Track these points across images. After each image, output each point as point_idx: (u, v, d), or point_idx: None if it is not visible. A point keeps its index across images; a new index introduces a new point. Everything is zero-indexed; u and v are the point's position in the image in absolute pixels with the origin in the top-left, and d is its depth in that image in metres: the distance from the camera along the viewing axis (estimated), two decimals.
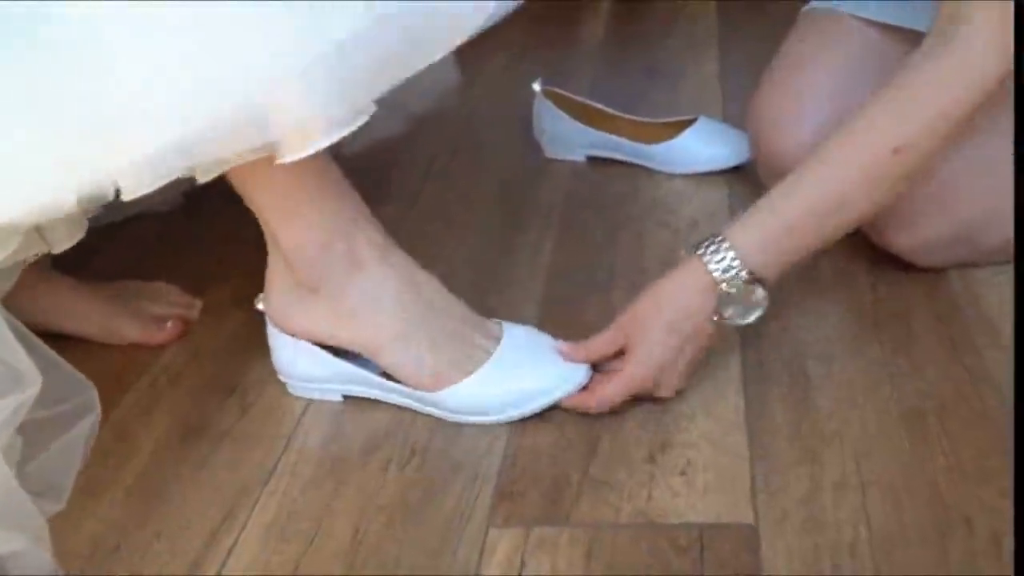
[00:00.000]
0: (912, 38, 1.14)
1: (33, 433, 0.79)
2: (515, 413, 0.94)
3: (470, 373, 0.93)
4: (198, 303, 1.14)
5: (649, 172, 1.36)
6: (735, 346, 1.02)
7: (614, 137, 1.37)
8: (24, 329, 0.82)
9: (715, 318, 0.93)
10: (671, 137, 1.35)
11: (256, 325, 1.02)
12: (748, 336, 1.03)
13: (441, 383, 0.93)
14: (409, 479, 0.90)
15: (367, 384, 0.97)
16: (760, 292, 0.93)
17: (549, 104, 1.39)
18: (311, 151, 0.79)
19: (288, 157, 0.80)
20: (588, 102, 1.41)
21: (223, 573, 0.82)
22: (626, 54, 1.75)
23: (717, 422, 0.93)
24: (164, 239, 1.31)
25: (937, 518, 0.81)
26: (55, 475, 0.82)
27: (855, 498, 0.84)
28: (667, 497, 0.86)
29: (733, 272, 0.91)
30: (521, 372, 0.94)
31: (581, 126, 1.38)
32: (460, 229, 1.28)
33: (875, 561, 0.78)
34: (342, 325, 0.94)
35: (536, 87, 1.38)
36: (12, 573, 0.75)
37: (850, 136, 0.94)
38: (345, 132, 0.79)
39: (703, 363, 0.97)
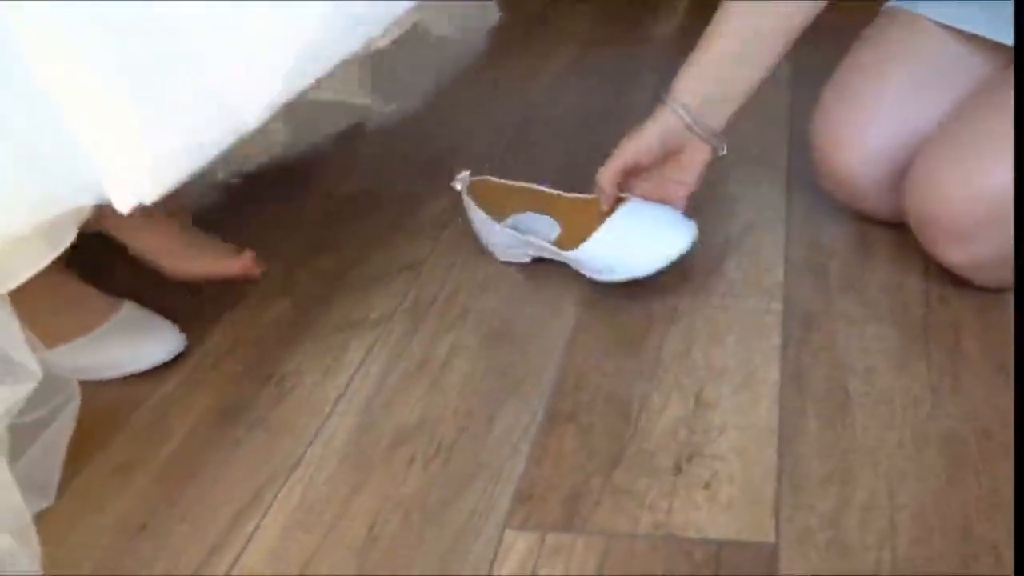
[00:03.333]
0: (990, 49, 1.11)
1: (17, 431, 0.81)
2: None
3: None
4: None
5: (706, 173, 1.33)
6: (775, 355, 1.00)
7: (547, 244, 1.13)
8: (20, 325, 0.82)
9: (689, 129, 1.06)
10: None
11: (296, 314, 1.03)
12: (789, 345, 1.01)
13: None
14: (432, 476, 0.90)
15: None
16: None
17: (473, 206, 1.16)
18: None
19: None
20: (526, 185, 1.18)
21: (240, 559, 0.83)
22: None
23: (748, 435, 0.91)
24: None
25: (965, 547, 0.78)
26: (42, 472, 0.84)
27: (883, 521, 0.82)
28: (688, 509, 0.84)
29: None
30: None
31: (506, 230, 1.14)
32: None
33: None
34: None
35: (458, 185, 1.16)
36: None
37: None
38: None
39: (740, 370, 0.95)
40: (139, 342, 1.05)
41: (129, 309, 1.07)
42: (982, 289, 1.05)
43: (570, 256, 1.10)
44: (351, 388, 1.01)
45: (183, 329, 1.08)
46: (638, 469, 0.89)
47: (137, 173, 0.72)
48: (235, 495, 0.89)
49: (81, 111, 0.69)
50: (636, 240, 1.08)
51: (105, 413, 0.99)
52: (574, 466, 0.90)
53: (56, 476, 0.87)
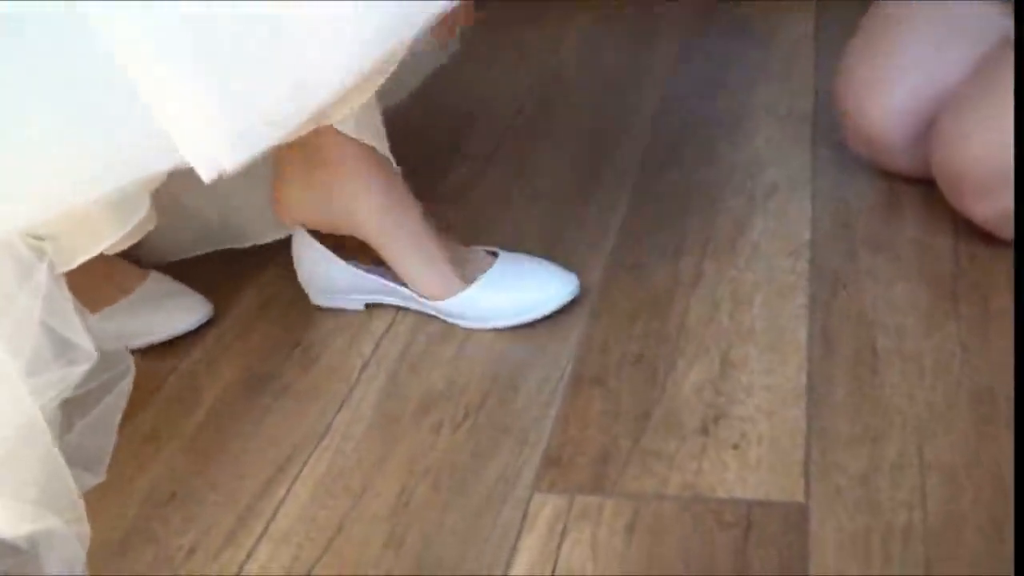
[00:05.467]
0: (1012, 5, 1.09)
1: (66, 404, 0.81)
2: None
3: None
4: None
5: (728, 134, 1.32)
6: (802, 315, 0.99)
7: (390, 283, 1.04)
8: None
9: None
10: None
11: None
12: (816, 305, 1.00)
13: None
14: (459, 441, 0.90)
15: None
16: None
17: (309, 241, 1.05)
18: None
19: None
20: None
21: (270, 526, 0.84)
22: (719, 11, 1.70)
23: (776, 395, 0.91)
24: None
25: (996, 506, 0.78)
26: (93, 447, 0.84)
27: (913, 480, 0.81)
28: (717, 471, 0.84)
29: None
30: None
31: (345, 266, 1.05)
32: (533, 186, 1.27)
33: (927, 547, 0.76)
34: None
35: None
36: (44, 564, 0.76)
37: None
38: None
39: (767, 331, 0.95)
40: (166, 311, 1.05)
41: (155, 279, 1.07)
42: (1010, 246, 1.04)
43: (439, 307, 1.02)
44: (377, 355, 1.01)
45: (208, 298, 1.08)
46: (666, 431, 0.88)
47: (216, 145, 0.72)
48: (264, 463, 0.90)
49: (158, 82, 0.70)
50: (518, 288, 1.02)
51: (133, 383, 0.99)
52: (601, 429, 0.89)
53: (107, 452, 0.85)
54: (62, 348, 0.76)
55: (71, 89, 0.70)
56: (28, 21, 0.69)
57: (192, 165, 0.72)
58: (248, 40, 0.71)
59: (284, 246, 1.12)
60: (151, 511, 0.86)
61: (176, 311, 1.05)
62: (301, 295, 1.10)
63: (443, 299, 1.02)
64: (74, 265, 0.82)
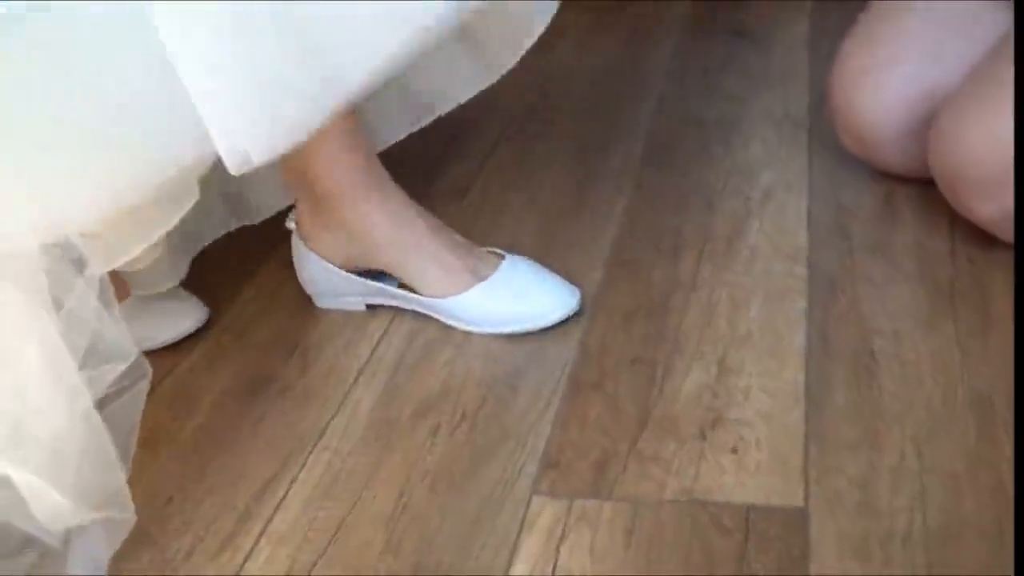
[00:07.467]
0: (1011, 1, 1.09)
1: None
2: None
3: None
4: None
5: (725, 137, 1.32)
6: (800, 319, 0.99)
7: (389, 287, 1.05)
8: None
9: None
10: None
11: None
12: (814, 308, 1.00)
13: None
14: (457, 444, 0.90)
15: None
16: None
17: (305, 248, 1.06)
18: None
19: None
20: None
21: (268, 529, 0.83)
22: (715, 14, 1.70)
23: (774, 398, 0.91)
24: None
25: (997, 510, 0.78)
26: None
27: (913, 485, 0.81)
28: (715, 475, 0.84)
29: None
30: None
31: (343, 274, 1.05)
32: (530, 187, 1.27)
33: (928, 552, 0.76)
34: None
35: (291, 225, 1.07)
36: (71, 563, 0.76)
37: None
38: None
39: (765, 335, 0.94)
40: (163, 315, 1.05)
41: None
42: (1009, 248, 1.04)
43: (433, 303, 1.03)
44: (374, 357, 1.01)
45: (205, 301, 1.08)
46: (664, 435, 0.88)
47: (249, 136, 0.73)
48: (262, 466, 0.90)
49: (197, 74, 0.71)
50: (522, 296, 1.02)
51: None
52: (600, 432, 0.89)
53: (128, 454, 0.82)
54: (102, 348, 0.76)
55: (121, 85, 0.72)
56: (86, 18, 0.70)
57: (222, 156, 0.73)
58: (284, 36, 0.72)
59: (280, 246, 1.12)
60: (149, 513, 0.85)
61: (173, 315, 1.05)
62: (298, 296, 1.10)
63: (452, 295, 1.01)
64: (126, 260, 0.82)
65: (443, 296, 1.02)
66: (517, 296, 1.01)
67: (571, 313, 1.02)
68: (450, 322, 1.03)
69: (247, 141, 0.73)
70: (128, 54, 0.71)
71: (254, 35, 0.71)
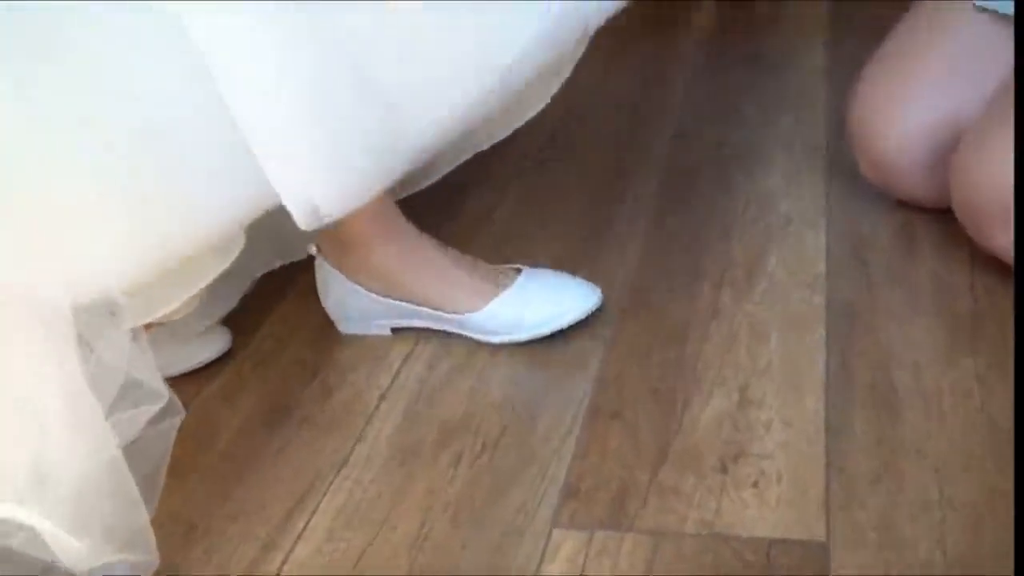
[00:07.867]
0: None
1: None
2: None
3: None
4: None
5: (743, 165, 1.33)
6: (819, 351, 1.00)
7: (412, 306, 1.06)
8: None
9: None
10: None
11: None
12: (833, 339, 1.01)
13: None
14: (478, 474, 0.90)
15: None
16: None
17: (333, 270, 1.07)
18: None
19: None
20: None
21: (290, 557, 0.84)
22: (732, 43, 1.71)
23: (795, 431, 0.91)
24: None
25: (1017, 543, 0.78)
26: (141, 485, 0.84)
27: (934, 518, 0.81)
28: (737, 508, 0.84)
29: None
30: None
31: (372, 296, 1.06)
32: (550, 215, 1.27)
33: None
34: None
35: (312, 250, 1.08)
36: None
37: None
38: None
39: (784, 366, 0.95)
40: (186, 341, 1.05)
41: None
42: None
43: (461, 319, 1.04)
44: (396, 385, 1.02)
45: (226, 326, 1.08)
46: (684, 467, 0.88)
47: (321, 192, 0.73)
48: (284, 494, 0.90)
49: (266, 130, 0.71)
50: (545, 298, 1.05)
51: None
52: (620, 463, 0.90)
53: (156, 492, 0.83)
54: (135, 391, 0.76)
55: (184, 145, 0.71)
56: (148, 74, 0.70)
57: (292, 213, 0.73)
58: (362, 91, 0.73)
59: (302, 274, 1.13)
60: (172, 542, 0.86)
61: (196, 342, 1.06)
62: (319, 324, 1.11)
63: (482, 308, 1.03)
64: (165, 312, 0.82)
65: (473, 310, 1.03)
66: (543, 298, 1.04)
67: (596, 306, 1.05)
68: (483, 337, 1.04)
69: (319, 196, 0.73)
70: (192, 112, 0.71)
71: (332, 90, 0.72)
